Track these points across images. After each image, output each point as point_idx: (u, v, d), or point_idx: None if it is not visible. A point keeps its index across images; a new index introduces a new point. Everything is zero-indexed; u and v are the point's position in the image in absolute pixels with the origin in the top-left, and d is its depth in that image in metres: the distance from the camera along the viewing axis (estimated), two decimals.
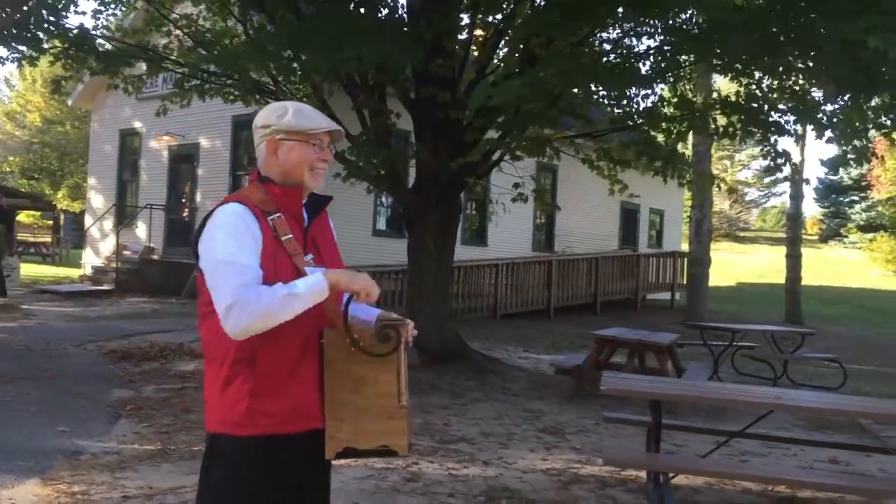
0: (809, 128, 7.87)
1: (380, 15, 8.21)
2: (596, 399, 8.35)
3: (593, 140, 9.74)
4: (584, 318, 17.23)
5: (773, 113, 7.73)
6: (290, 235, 2.17)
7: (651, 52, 8.31)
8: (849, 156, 7.47)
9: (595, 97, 8.19)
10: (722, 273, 28.69)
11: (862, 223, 40.80)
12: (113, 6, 11.30)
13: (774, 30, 6.14)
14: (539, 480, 5.11)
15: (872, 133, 8.57)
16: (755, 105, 7.69)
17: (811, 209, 55.87)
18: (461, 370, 8.91)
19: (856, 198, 42.89)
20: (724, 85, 16.88)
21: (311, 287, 2.06)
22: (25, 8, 8.98)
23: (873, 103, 6.90)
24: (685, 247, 25.00)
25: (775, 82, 7.86)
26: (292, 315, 2.05)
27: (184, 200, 17.71)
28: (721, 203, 41.64)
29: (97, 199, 19.54)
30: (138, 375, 8.02)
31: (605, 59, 8.04)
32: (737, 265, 33.27)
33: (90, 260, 18.53)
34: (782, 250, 22.22)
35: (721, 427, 6.20)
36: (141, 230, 17.77)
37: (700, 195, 15.57)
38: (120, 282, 16.21)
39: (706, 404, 6.99)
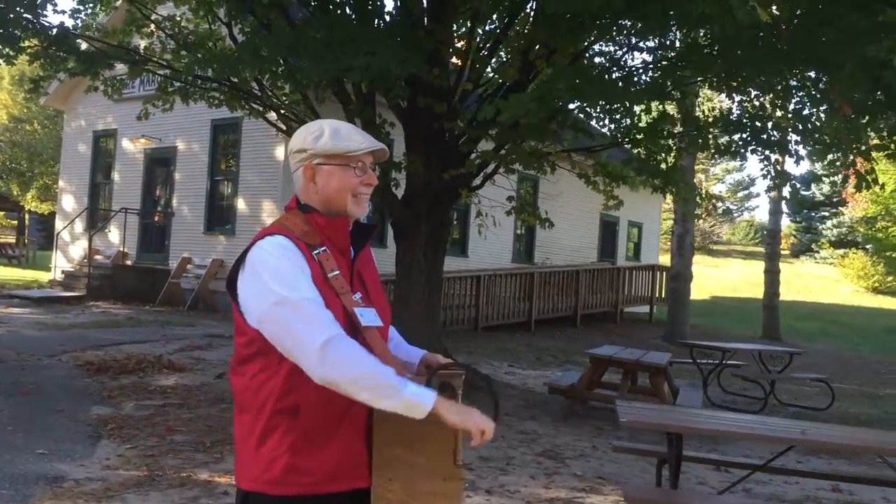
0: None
1: (378, 23, 7.97)
2: (589, 420, 8.21)
3: (591, 155, 9.56)
4: (565, 332, 17.10)
5: (775, 132, 7.62)
6: (337, 272, 1.94)
7: (650, 66, 8.20)
8: (849, 181, 7.36)
9: (599, 112, 8.02)
10: (696, 286, 28.71)
11: (833, 239, 41.27)
12: (92, 5, 10.91)
13: (784, 48, 6.01)
14: None
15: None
16: (758, 124, 7.58)
17: (783, 223, 56.47)
18: None
19: (827, 213, 43.42)
20: (716, 101, 16.86)
21: (413, 402, 1.80)
22: (2, 6, 8.62)
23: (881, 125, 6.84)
24: (662, 260, 24.99)
25: (778, 101, 7.76)
26: (370, 402, 1.82)
27: (159, 206, 17.29)
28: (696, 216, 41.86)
29: (68, 202, 19.01)
30: (117, 390, 7.67)
31: (606, 74, 7.88)
32: (711, 279, 33.37)
33: (61, 264, 18.01)
34: (755, 264, 22.33)
35: (721, 455, 6.05)
36: (114, 234, 17.30)
37: (687, 209, 15.44)
38: (92, 287, 15.72)
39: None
